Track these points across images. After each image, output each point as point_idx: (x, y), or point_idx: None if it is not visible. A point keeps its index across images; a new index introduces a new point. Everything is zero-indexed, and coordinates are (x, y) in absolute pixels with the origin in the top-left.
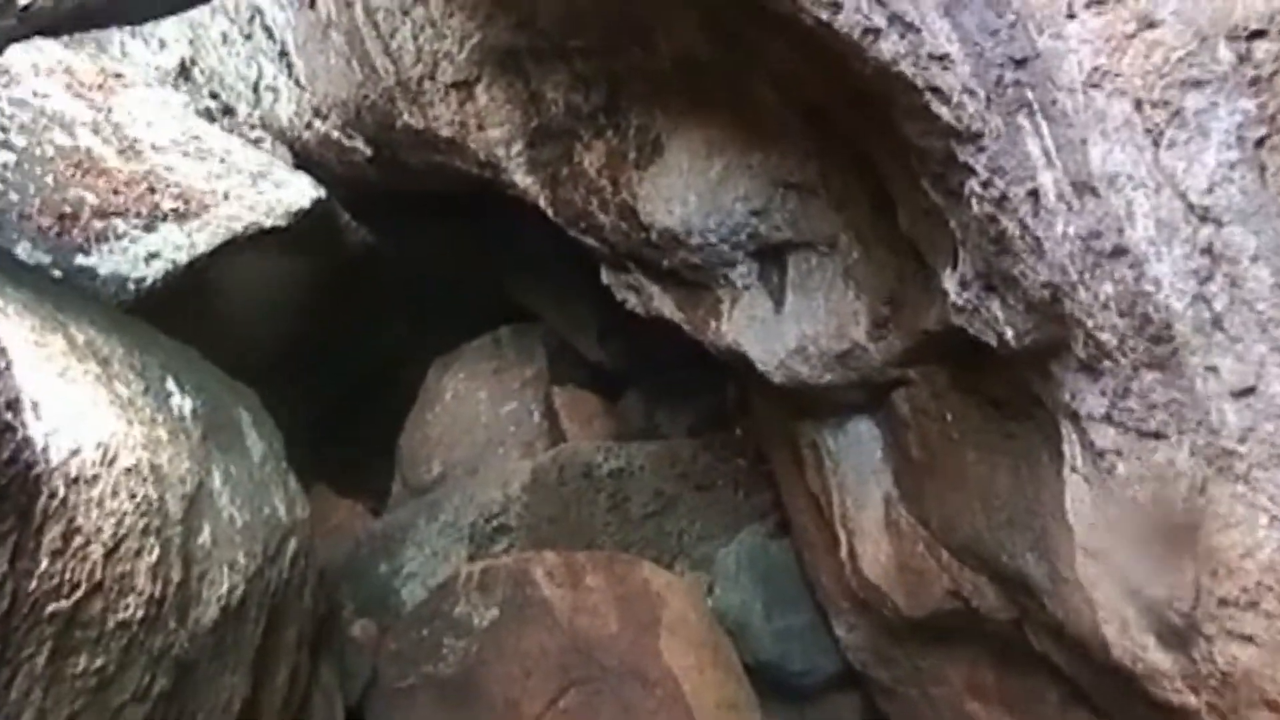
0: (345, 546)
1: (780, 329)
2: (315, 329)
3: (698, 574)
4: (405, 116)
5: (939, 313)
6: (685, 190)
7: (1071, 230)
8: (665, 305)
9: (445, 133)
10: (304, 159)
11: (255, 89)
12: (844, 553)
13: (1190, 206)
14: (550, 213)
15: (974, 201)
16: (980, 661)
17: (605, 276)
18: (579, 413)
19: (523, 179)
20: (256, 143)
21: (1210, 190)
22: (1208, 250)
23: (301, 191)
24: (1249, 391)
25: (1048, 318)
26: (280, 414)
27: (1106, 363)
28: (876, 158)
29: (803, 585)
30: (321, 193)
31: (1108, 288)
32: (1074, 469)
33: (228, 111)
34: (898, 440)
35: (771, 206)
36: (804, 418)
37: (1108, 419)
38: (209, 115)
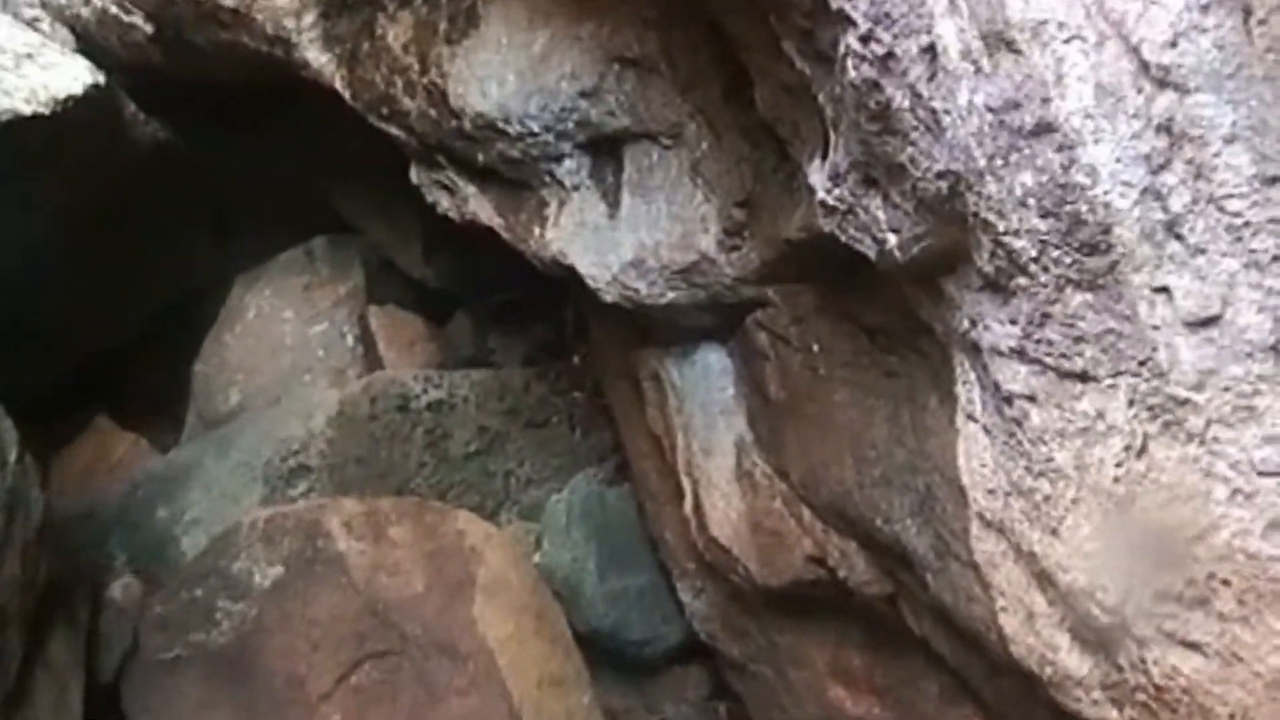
0: (120, 488)
1: (614, 237)
2: (96, 239)
3: (527, 525)
4: None
5: (804, 216)
6: (503, 68)
7: (979, 99)
8: (482, 208)
9: (229, 1)
10: (87, 42)
11: None
12: (688, 506)
13: (1144, 66)
14: (348, 96)
15: (850, 64)
16: (847, 641)
17: (414, 174)
18: (399, 337)
19: (316, 56)
20: (33, 23)
21: (1173, 44)
22: (1165, 128)
23: (74, 76)
24: (1211, 322)
25: (943, 219)
26: (50, 336)
27: (1020, 279)
28: (728, 22)
29: (644, 541)
30: (100, 78)
31: (1026, 178)
32: (971, 417)
33: None
34: (753, 375)
35: (604, 87)
36: (644, 345)
37: (1019, 354)
38: None
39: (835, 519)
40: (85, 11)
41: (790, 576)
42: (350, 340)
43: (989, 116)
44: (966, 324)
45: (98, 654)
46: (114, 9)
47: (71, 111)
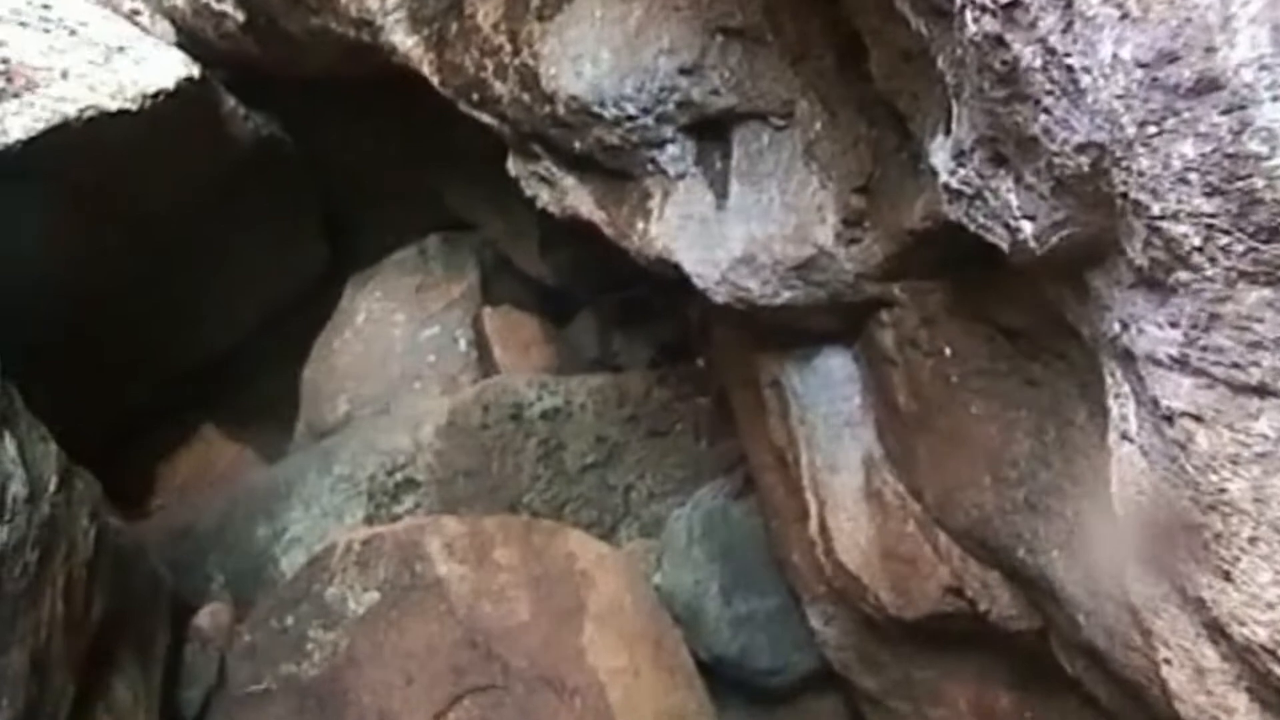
0: (221, 503)
1: (723, 231)
2: (198, 239)
3: (648, 543)
4: None
5: (928, 202)
6: (597, 45)
7: (1127, 53)
8: (582, 201)
9: None
10: (187, 35)
11: None
12: (814, 527)
13: None
14: (437, 82)
15: (970, 17)
16: (992, 679)
17: (512, 166)
18: (515, 339)
19: (403, 39)
20: (132, 15)
21: None
22: None
23: (166, 70)
24: None
25: (1086, 202)
26: (151, 341)
27: (1181, 274)
28: None
29: (772, 560)
30: (194, 71)
31: (1186, 148)
32: (1125, 436)
33: None
34: (880, 383)
35: (706, 62)
36: (763, 349)
37: (1180, 364)
38: None
39: (974, 546)
40: (181, 2)
41: (926, 608)
42: (463, 344)
43: (1139, 73)
44: (1118, 327)
45: (180, 688)
46: None
47: (163, 106)
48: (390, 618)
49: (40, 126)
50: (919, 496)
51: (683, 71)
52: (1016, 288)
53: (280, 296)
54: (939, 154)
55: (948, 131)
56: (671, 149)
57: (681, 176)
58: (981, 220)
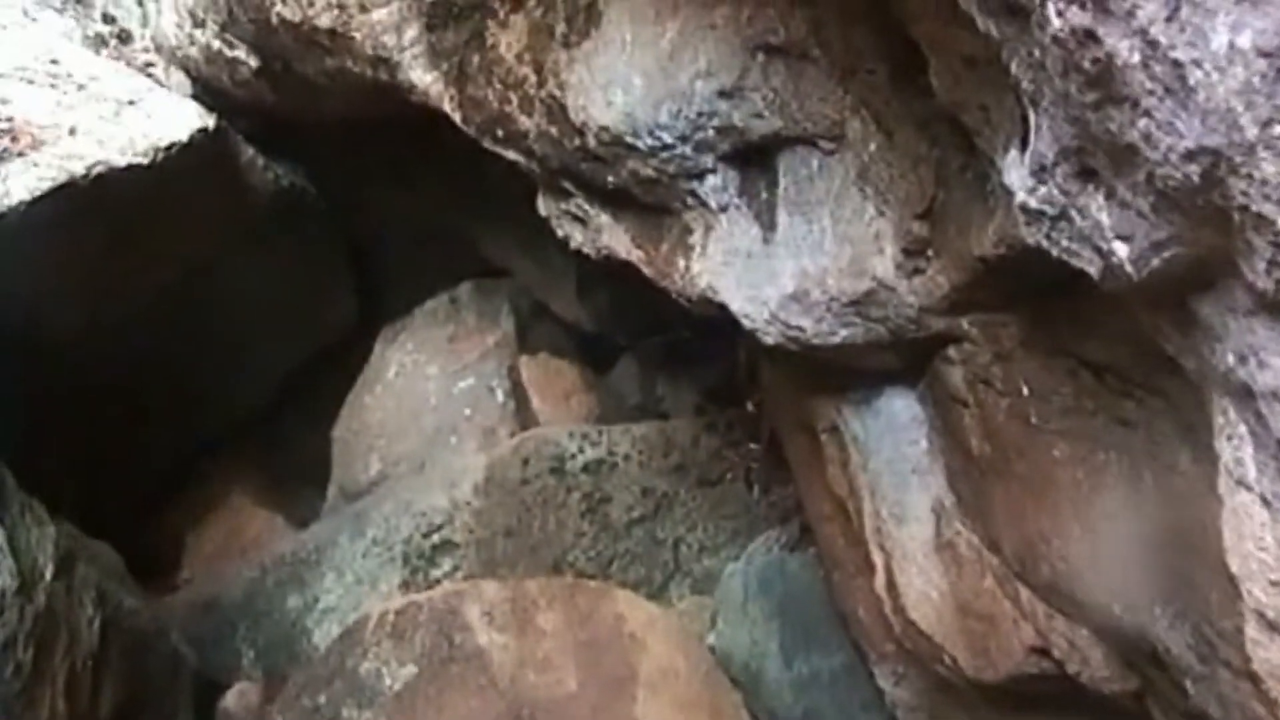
0: (250, 573)
1: (771, 266)
2: (220, 294)
3: (702, 601)
4: (279, 6)
5: (1001, 226)
6: (628, 71)
7: (1245, 41)
8: (618, 240)
9: (324, 21)
10: (202, 85)
11: (142, 2)
12: (880, 583)
13: None
14: (458, 119)
15: (1053, 11)
16: None
17: (542, 205)
18: (554, 389)
19: (421, 76)
20: (146, 68)
21: None
22: None
23: (179, 123)
24: None
25: (1194, 218)
26: (174, 404)
27: None
28: None
29: (835, 615)
30: (209, 122)
31: None
32: (1242, 483)
33: (123, 38)
34: (950, 425)
35: (747, 83)
36: (818, 391)
37: None
38: (100, 42)
39: (1062, 602)
40: (194, 51)
41: (1008, 669)
42: (500, 395)
43: (1261, 64)
44: (1232, 360)
45: None
46: (218, 44)
47: (176, 159)
48: (429, 694)
49: (46, 186)
50: (996, 548)
51: (722, 94)
52: (1104, 317)
53: (309, 352)
54: (1014, 171)
55: (1024, 145)
56: (712, 179)
57: (724, 209)
58: (1066, 244)
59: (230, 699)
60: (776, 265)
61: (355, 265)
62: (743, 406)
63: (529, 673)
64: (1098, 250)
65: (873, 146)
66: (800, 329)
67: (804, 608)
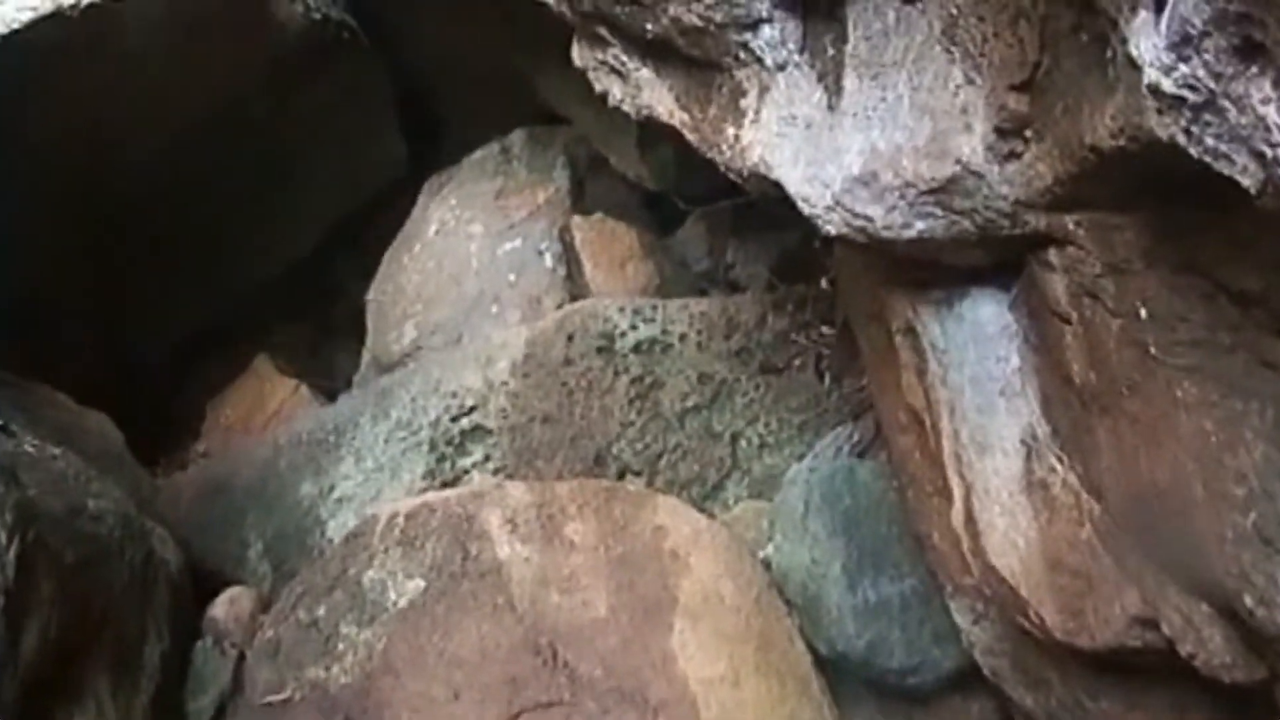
0: (264, 452)
1: (836, 140)
2: (250, 142)
3: (758, 506)
4: None
5: (1123, 109)
6: None
7: None
8: (660, 99)
9: None
10: None
11: None
12: (958, 518)
13: None
14: None
15: None
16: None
17: (577, 55)
18: (610, 254)
19: None
20: None
21: None
22: None
23: None
24: None
25: None
26: (201, 260)
27: None
28: None
29: (906, 534)
30: None
31: None
32: None
33: None
34: (1047, 343)
35: None
36: (894, 283)
37: None
38: None
39: (1176, 571)
40: None
41: (1106, 639)
42: (549, 260)
43: None
44: None
45: (189, 696)
46: None
47: None
48: (436, 613)
49: (27, 17)
50: (1098, 495)
51: None
52: (1255, 236)
53: (350, 205)
54: (1144, 40)
55: (1158, 6)
56: (768, 31)
57: (782, 68)
58: (1213, 143)
59: (219, 607)
60: (841, 139)
61: (404, 108)
62: (816, 282)
63: (552, 593)
64: (1258, 155)
65: None
66: (868, 218)
67: (873, 524)
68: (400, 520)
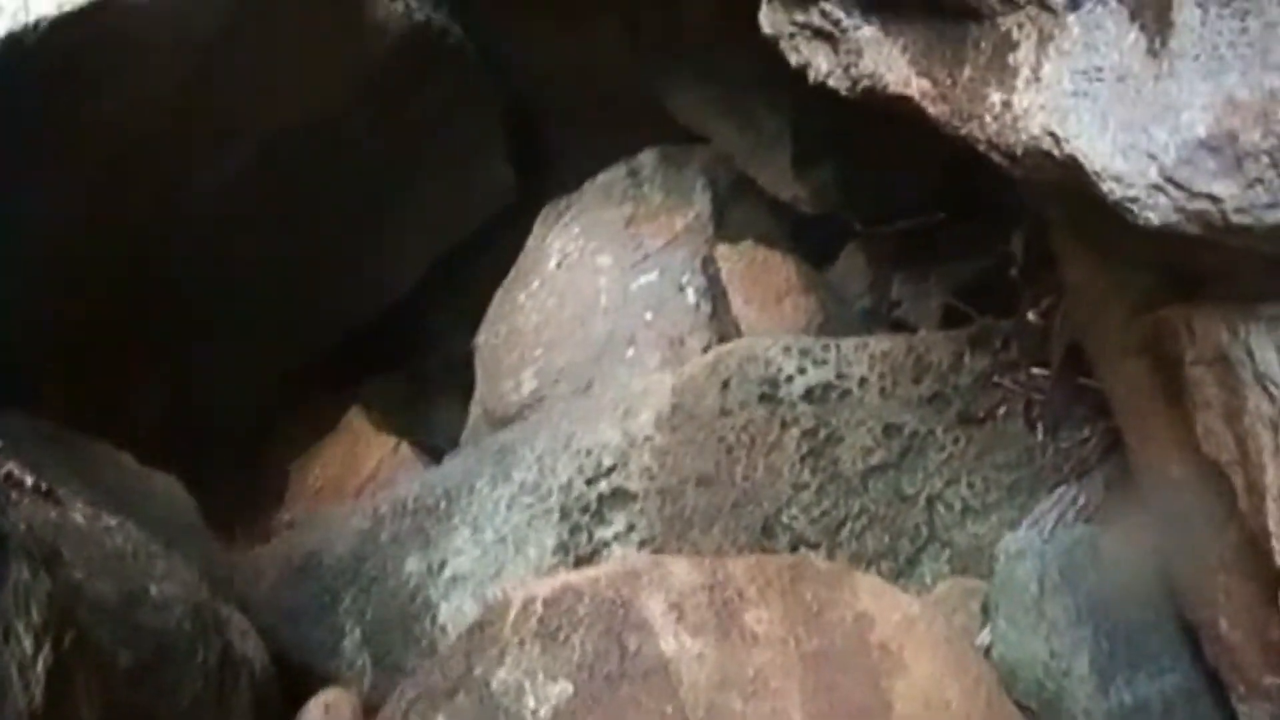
0: (360, 522)
1: (1165, 93)
2: (341, 163)
3: (965, 584)
4: None
5: None
6: None
7: None
8: (889, 64)
9: None
10: None
11: None
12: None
13: None
14: None
15: None
16: None
17: (766, 20)
18: (762, 287)
19: None
20: None
21: None
22: None
23: None
24: None
25: None
26: (286, 302)
27: None
28: None
29: (1169, 617)
30: None
31: None
32: None
33: None
34: None
35: None
36: (1195, 298)
37: None
38: None
39: None
40: None
41: None
42: (691, 295)
43: None
44: None
45: None
46: None
47: None
48: None
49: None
50: None
51: None
52: None
53: (453, 239)
54: None
55: None
56: None
57: (1075, 6)
58: None
59: (312, 712)
60: (1173, 93)
61: (512, 127)
62: (1021, 315)
63: (733, 698)
64: None
65: None
66: (1213, 198)
67: (1125, 608)
68: (537, 606)
